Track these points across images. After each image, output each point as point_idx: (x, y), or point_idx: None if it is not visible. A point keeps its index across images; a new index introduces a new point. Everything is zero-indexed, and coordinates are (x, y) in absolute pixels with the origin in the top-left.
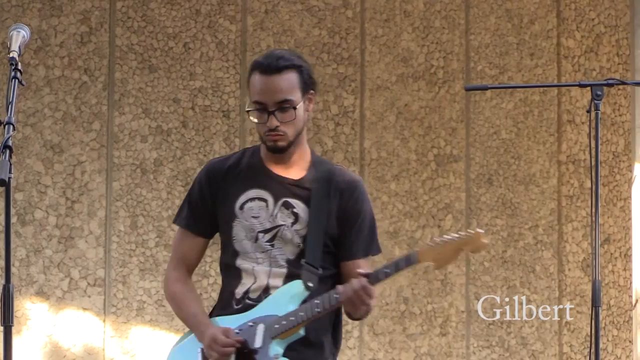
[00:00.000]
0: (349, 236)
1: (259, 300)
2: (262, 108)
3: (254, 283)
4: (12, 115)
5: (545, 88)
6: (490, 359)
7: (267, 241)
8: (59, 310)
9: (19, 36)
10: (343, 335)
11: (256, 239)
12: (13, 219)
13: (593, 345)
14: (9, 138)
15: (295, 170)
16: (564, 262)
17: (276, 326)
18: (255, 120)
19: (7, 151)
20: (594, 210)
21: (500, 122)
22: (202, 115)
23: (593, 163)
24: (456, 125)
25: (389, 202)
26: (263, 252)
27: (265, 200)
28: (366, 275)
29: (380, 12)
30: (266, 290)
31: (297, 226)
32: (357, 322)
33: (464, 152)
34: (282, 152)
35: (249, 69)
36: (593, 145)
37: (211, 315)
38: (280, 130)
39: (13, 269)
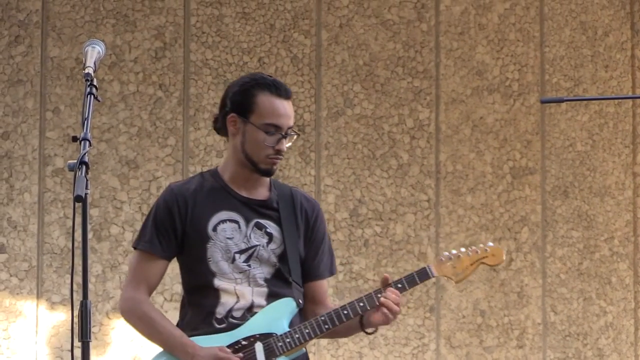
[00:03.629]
0: (315, 256)
1: (243, 319)
2: (275, 130)
3: (237, 302)
4: (88, 131)
5: (620, 100)
6: None
7: (243, 261)
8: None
9: (94, 52)
10: (420, 349)
11: (233, 260)
12: (89, 235)
13: None
14: (85, 154)
15: (258, 192)
16: (639, 273)
17: (280, 344)
18: (265, 143)
19: (83, 167)
20: None
21: (576, 134)
22: None
23: None
24: (531, 137)
25: (464, 215)
26: (241, 272)
27: (236, 222)
28: (390, 285)
29: (455, 25)
30: (250, 310)
31: (272, 245)
32: (433, 335)
33: (539, 164)
34: (271, 175)
35: (249, 87)
36: None
37: None
38: (283, 154)
39: (90, 285)
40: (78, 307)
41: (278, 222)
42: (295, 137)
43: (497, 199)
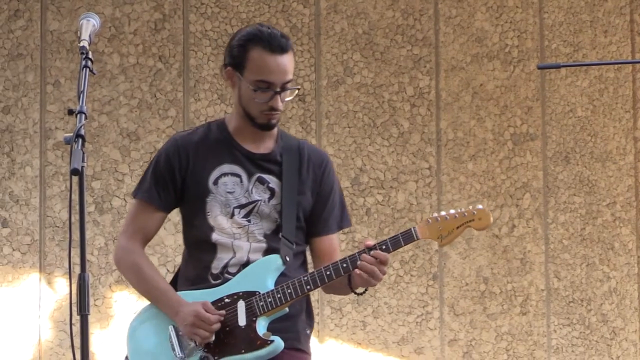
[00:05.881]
0: (323, 211)
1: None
2: (267, 87)
3: (232, 258)
4: (84, 104)
5: (620, 65)
6: (571, 337)
7: (243, 216)
8: (140, 297)
9: (89, 25)
10: (424, 317)
11: (232, 215)
12: (91, 208)
13: None
14: (81, 127)
15: (264, 144)
16: None
17: (261, 304)
18: (256, 100)
19: (80, 140)
20: None
21: (576, 100)
22: None
23: None
24: (532, 104)
25: (466, 182)
26: (240, 227)
27: (238, 176)
28: (372, 248)
29: None
30: (246, 265)
31: (274, 201)
32: (437, 303)
33: (540, 130)
34: (272, 129)
35: (244, 42)
36: None
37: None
38: (280, 109)
39: (92, 258)
40: (76, 280)
41: (280, 177)
42: (295, 91)
43: (499, 166)
